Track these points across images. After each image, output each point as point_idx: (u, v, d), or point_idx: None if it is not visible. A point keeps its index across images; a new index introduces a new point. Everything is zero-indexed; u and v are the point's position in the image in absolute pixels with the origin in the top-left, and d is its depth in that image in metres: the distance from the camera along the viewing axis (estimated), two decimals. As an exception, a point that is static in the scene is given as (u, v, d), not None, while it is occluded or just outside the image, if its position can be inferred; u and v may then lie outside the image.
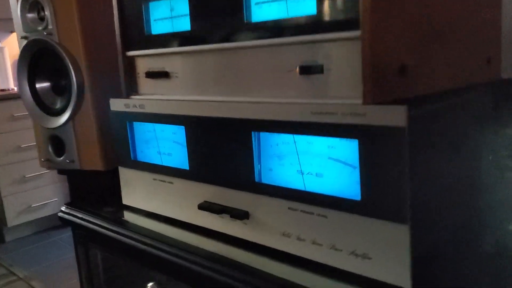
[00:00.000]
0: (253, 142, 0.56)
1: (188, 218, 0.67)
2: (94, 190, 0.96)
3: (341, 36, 0.48)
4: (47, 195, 2.83)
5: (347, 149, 0.49)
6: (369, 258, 0.48)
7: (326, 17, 0.49)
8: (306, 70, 0.51)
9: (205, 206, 0.63)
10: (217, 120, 0.60)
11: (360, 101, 0.47)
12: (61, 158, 0.90)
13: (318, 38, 0.50)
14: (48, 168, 0.94)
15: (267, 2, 0.55)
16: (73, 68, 0.84)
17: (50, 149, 0.92)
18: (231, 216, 0.60)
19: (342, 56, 0.49)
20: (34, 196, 2.78)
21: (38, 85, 0.91)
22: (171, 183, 0.69)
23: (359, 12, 0.45)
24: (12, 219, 2.76)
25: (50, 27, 0.85)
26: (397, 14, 0.48)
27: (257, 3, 0.56)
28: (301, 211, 0.53)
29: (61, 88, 0.90)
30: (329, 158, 0.51)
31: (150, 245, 0.65)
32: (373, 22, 0.45)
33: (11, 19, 0.92)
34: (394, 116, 0.44)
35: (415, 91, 0.51)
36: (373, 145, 0.45)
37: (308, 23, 0.50)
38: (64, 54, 0.84)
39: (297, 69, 0.53)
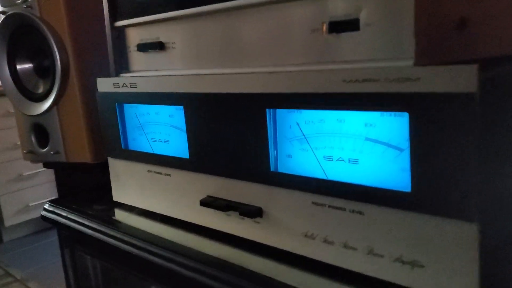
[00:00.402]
0: (267, 122, 0.46)
1: (188, 217, 0.57)
2: (84, 185, 0.86)
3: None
4: (44, 194, 2.73)
5: (392, 126, 0.38)
6: (421, 266, 0.37)
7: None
8: (337, 27, 0.41)
9: (209, 202, 0.52)
10: (223, 97, 0.49)
11: (409, 63, 0.36)
12: (45, 150, 0.80)
13: (352, -15, 0.39)
14: (32, 161, 0.83)
15: None
16: (57, 46, 0.73)
17: (33, 139, 0.81)
18: (240, 214, 0.49)
19: (385, 6, 0.38)
20: (31, 195, 2.69)
21: (18, 67, 0.81)
22: (169, 175, 0.58)
23: None
24: (9, 219, 2.68)
25: (29, -1, 0.75)
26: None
27: (271, -51, 0.45)
28: (329, 206, 0.42)
29: (44, 70, 0.79)
30: (367, 139, 0.40)
31: (144, 249, 0.54)
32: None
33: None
34: (460, 79, 0.33)
35: (475, 52, 0.40)
36: (430, 119, 0.35)
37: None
38: (46, 30, 0.73)
39: (324, 26, 0.42)
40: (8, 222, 2.67)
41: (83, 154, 0.77)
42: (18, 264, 2.42)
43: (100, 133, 0.73)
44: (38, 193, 2.72)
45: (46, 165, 0.87)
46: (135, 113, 0.62)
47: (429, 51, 0.35)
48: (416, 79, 0.35)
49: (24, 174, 2.64)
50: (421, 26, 0.35)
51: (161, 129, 0.59)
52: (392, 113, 0.38)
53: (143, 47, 0.59)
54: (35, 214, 2.73)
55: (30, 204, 2.69)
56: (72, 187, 0.91)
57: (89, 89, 0.74)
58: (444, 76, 0.33)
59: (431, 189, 0.35)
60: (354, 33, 0.40)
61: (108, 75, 0.65)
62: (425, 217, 0.36)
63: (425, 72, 0.34)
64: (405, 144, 0.37)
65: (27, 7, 0.75)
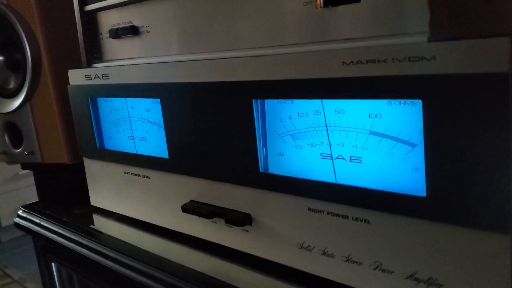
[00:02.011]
0: (254, 115, 0.39)
1: (170, 224, 0.50)
2: (67, 185, 0.79)
3: None
4: (40, 193, 2.69)
5: (401, 117, 0.32)
6: (439, 286, 0.31)
7: None
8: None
9: (191, 208, 0.45)
10: (203, 87, 0.42)
11: (422, 38, 0.29)
12: (19, 150, 0.73)
13: None
14: (7, 162, 0.77)
15: None
16: (27, 37, 0.66)
17: (6, 139, 0.75)
18: (226, 221, 0.43)
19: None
20: (28, 194, 2.65)
21: (-13, 60, 0.74)
22: (147, 177, 0.51)
23: None
24: (6, 218, 2.64)
25: (-6, -16, 0.68)
26: None
27: None
28: (329, 213, 0.36)
29: (15, 63, 0.72)
30: (372, 133, 0.33)
31: (119, 261, 0.47)
32: None
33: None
34: (488, 56, 0.26)
35: (503, 27, 0.33)
36: (449, 107, 0.28)
37: None
38: (14, 19, 0.66)
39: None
40: (5, 222, 2.63)
41: (59, 154, 0.70)
42: (16, 265, 2.38)
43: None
44: (35, 192, 2.66)
45: (24, 166, 0.81)
46: (109, 108, 0.55)
47: (447, 23, 0.28)
48: (431, 58, 0.28)
49: (20, 173, 2.59)
50: (436, -8, 0.28)
51: (138, 126, 0.53)
52: (402, 100, 0.31)
53: (116, 33, 0.52)
54: (31, 214, 2.68)
55: (27, 203, 2.65)
56: (54, 189, 0.84)
57: (63, 83, 0.67)
58: (466, 53, 0.27)
59: (451, 193, 0.29)
60: (354, 6, 0.33)
61: (81, 66, 0.58)
62: (444, 227, 0.30)
63: (442, 49, 0.27)
64: (419, 138, 0.31)
65: (-8, -6, 0.68)
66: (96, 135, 0.57)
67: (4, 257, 2.52)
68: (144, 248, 0.49)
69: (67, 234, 0.55)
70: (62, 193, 0.79)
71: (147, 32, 0.49)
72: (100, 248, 0.50)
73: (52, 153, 0.71)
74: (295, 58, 0.35)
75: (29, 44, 0.66)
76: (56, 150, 0.70)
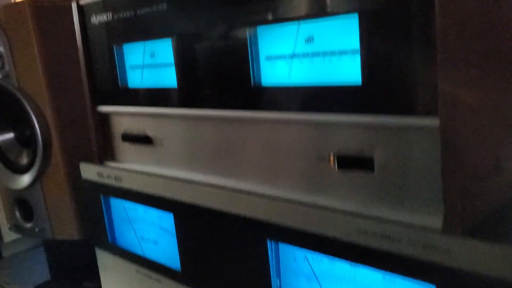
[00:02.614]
0: (269, 254, 0.40)
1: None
2: (75, 260, 0.80)
3: (403, 123, 0.31)
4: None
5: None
6: None
7: (378, 91, 0.32)
8: (345, 162, 0.35)
9: (204, 325, 0.46)
10: (219, 214, 0.43)
11: (436, 224, 0.30)
12: (30, 225, 0.74)
13: (364, 121, 0.33)
14: (18, 233, 0.78)
15: (283, 57, 0.38)
16: (37, 119, 0.67)
17: (17, 213, 0.76)
18: None
19: (405, 148, 0.32)
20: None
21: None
22: (159, 281, 0.52)
23: (438, 92, 0.28)
24: (9, 233, 2.63)
25: (6, 67, 0.69)
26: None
27: (269, 58, 0.39)
28: None
29: (27, 138, 0.73)
30: (386, 295, 0.34)
31: None
32: (458, 108, 0.28)
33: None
34: (502, 264, 0.27)
35: (509, 192, 0.34)
36: (463, 300, 0.29)
37: (349, 96, 0.33)
38: (24, 102, 0.67)
39: (331, 157, 0.36)
40: (7, 238, 2.63)
41: (70, 231, 0.71)
42: (19, 281, 2.38)
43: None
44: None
45: (34, 236, 0.82)
46: (122, 206, 0.56)
47: (461, 216, 0.29)
48: (445, 250, 0.29)
49: (22, 193, 2.60)
50: (451, 185, 0.29)
51: (149, 229, 0.53)
52: (418, 281, 0.32)
53: (129, 138, 0.53)
54: (34, 232, 2.68)
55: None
56: (65, 263, 0.85)
57: (74, 161, 0.68)
58: (481, 255, 0.27)
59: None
60: (367, 174, 0.34)
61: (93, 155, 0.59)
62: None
63: (456, 245, 0.28)
64: (432, 313, 0.32)
65: (4, 76, 0.69)
66: (108, 229, 0.58)
67: (7, 273, 2.52)
68: None
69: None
70: (73, 267, 0.80)
71: (160, 144, 0.50)
72: None
73: (62, 230, 0.71)
74: (310, 211, 0.36)
75: (39, 126, 0.67)
76: (66, 227, 0.71)
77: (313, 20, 0.35)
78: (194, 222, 0.45)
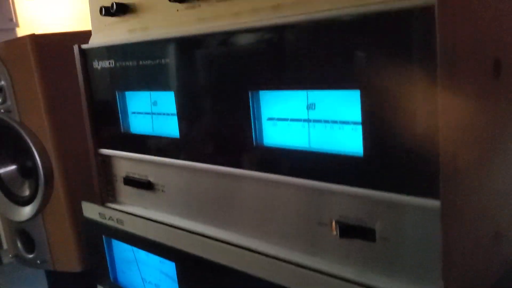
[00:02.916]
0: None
1: None
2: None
3: (404, 201, 0.31)
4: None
5: None
6: None
7: (379, 165, 0.32)
8: (348, 231, 0.35)
9: None
10: (221, 268, 0.43)
11: (436, 298, 0.31)
12: (32, 256, 0.74)
13: (365, 194, 0.33)
14: (20, 264, 0.78)
15: (284, 120, 0.38)
16: (38, 153, 0.67)
17: (19, 244, 0.76)
18: None
19: (406, 223, 0.32)
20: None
21: (1, 170, 0.75)
22: (162, 325, 0.52)
23: (439, 176, 0.28)
24: (9, 241, 2.63)
25: (8, 102, 0.69)
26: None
27: (270, 119, 0.39)
28: None
29: (28, 170, 0.74)
30: None
31: None
32: (459, 191, 0.29)
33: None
34: None
35: (509, 264, 0.35)
36: None
37: (351, 167, 0.34)
38: (26, 136, 0.68)
39: (333, 224, 0.36)
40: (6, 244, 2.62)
41: (71, 263, 0.71)
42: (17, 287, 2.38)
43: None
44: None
45: (36, 267, 0.82)
46: (123, 248, 0.57)
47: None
48: (447, 330, 0.29)
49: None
50: (447, 266, 0.29)
51: (151, 272, 0.54)
52: None
53: (130, 183, 0.54)
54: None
55: None
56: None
57: (76, 194, 0.69)
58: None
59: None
60: (369, 244, 0.34)
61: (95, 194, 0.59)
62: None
63: (458, 325, 0.29)
64: None
65: (6, 111, 0.69)
66: (109, 268, 0.58)
67: (7, 279, 2.51)
68: None
69: None
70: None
71: (162, 191, 0.50)
72: None
73: (64, 262, 0.72)
74: (314, 278, 0.36)
75: (40, 158, 0.68)
76: (68, 259, 0.71)
77: (316, 91, 0.35)
78: (197, 274, 0.46)
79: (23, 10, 1.94)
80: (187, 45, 0.43)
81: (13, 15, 1.95)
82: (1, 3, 1.92)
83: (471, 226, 0.31)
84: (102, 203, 0.58)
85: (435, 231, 0.30)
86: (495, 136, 0.33)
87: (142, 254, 0.55)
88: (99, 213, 0.57)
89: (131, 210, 0.54)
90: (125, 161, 0.54)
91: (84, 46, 0.54)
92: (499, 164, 0.34)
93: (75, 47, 0.54)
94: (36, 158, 0.68)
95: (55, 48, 0.67)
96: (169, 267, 0.51)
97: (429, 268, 0.31)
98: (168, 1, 0.43)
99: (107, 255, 0.58)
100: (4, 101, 0.69)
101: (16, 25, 1.94)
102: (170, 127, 0.48)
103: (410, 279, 0.32)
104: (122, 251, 0.57)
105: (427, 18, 0.27)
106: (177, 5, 0.44)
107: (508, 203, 0.34)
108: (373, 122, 0.32)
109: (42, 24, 1.67)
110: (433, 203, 0.29)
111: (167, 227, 0.49)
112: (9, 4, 1.93)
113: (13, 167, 0.75)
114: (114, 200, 0.58)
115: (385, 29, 0.30)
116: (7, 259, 2.66)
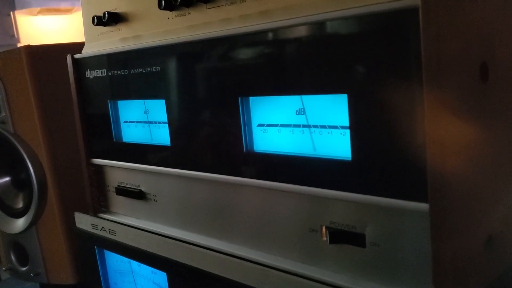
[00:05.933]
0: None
1: None
2: None
3: (393, 205, 0.31)
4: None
5: None
6: None
7: (368, 169, 0.32)
8: (338, 237, 0.34)
9: None
10: (213, 279, 0.43)
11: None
12: (25, 269, 0.74)
13: (354, 198, 0.33)
14: (14, 277, 0.77)
15: (274, 126, 0.38)
16: (31, 162, 0.67)
17: (12, 257, 0.75)
18: None
19: (396, 228, 0.32)
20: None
21: (-6, 182, 0.75)
22: (154, 337, 0.52)
23: (427, 181, 0.28)
24: (7, 256, 2.60)
25: (2, 113, 0.69)
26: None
27: (260, 125, 0.39)
28: None
29: (22, 182, 0.73)
30: None
31: None
32: (448, 194, 0.28)
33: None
34: None
35: (502, 267, 0.34)
36: None
37: (340, 172, 0.33)
38: (19, 147, 0.67)
39: (324, 230, 0.36)
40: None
41: (65, 276, 0.70)
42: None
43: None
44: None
45: (29, 280, 0.81)
46: (116, 259, 0.56)
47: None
48: (438, 337, 0.29)
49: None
50: (441, 270, 0.29)
51: (144, 283, 0.53)
52: None
53: (122, 192, 0.53)
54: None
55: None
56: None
57: (70, 206, 0.68)
58: None
59: None
60: (359, 250, 0.34)
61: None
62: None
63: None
64: None
65: (0, 122, 0.69)
66: (102, 280, 0.57)
67: (4, 296, 2.49)
68: None
69: None
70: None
71: (154, 200, 0.50)
72: None
73: (57, 275, 0.71)
74: (298, 281, 0.35)
75: (34, 169, 0.67)
76: (61, 272, 0.70)
77: (305, 96, 0.35)
78: (188, 283, 0.45)
79: (25, 27, 1.96)
80: (177, 53, 0.43)
81: (15, 31, 1.97)
82: (3, 19, 1.94)
83: (462, 230, 0.30)
84: (95, 213, 0.57)
85: (426, 235, 0.30)
86: (484, 139, 0.33)
87: (134, 265, 0.54)
88: (92, 224, 0.56)
89: (124, 220, 0.54)
90: (117, 171, 0.54)
91: (76, 56, 0.54)
92: (489, 167, 0.33)
93: (68, 57, 0.55)
94: (30, 169, 0.67)
95: (49, 59, 0.67)
96: (161, 277, 0.50)
97: (420, 273, 0.31)
98: (159, 10, 0.44)
99: (99, 266, 0.57)
100: (-2, 113, 0.69)
101: (18, 41, 1.96)
102: (161, 136, 0.48)
103: (402, 285, 0.32)
104: (114, 262, 0.57)
105: (411, 20, 0.27)
106: (168, 13, 0.44)
107: (500, 207, 0.34)
108: (360, 126, 0.31)
109: (44, 40, 1.69)
110: (422, 206, 0.29)
111: (158, 237, 0.48)
112: (11, 20, 1.95)
113: (7, 178, 0.75)
114: (107, 211, 0.57)
115: (370, 32, 0.30)
116: (5, 275, 2.64)
